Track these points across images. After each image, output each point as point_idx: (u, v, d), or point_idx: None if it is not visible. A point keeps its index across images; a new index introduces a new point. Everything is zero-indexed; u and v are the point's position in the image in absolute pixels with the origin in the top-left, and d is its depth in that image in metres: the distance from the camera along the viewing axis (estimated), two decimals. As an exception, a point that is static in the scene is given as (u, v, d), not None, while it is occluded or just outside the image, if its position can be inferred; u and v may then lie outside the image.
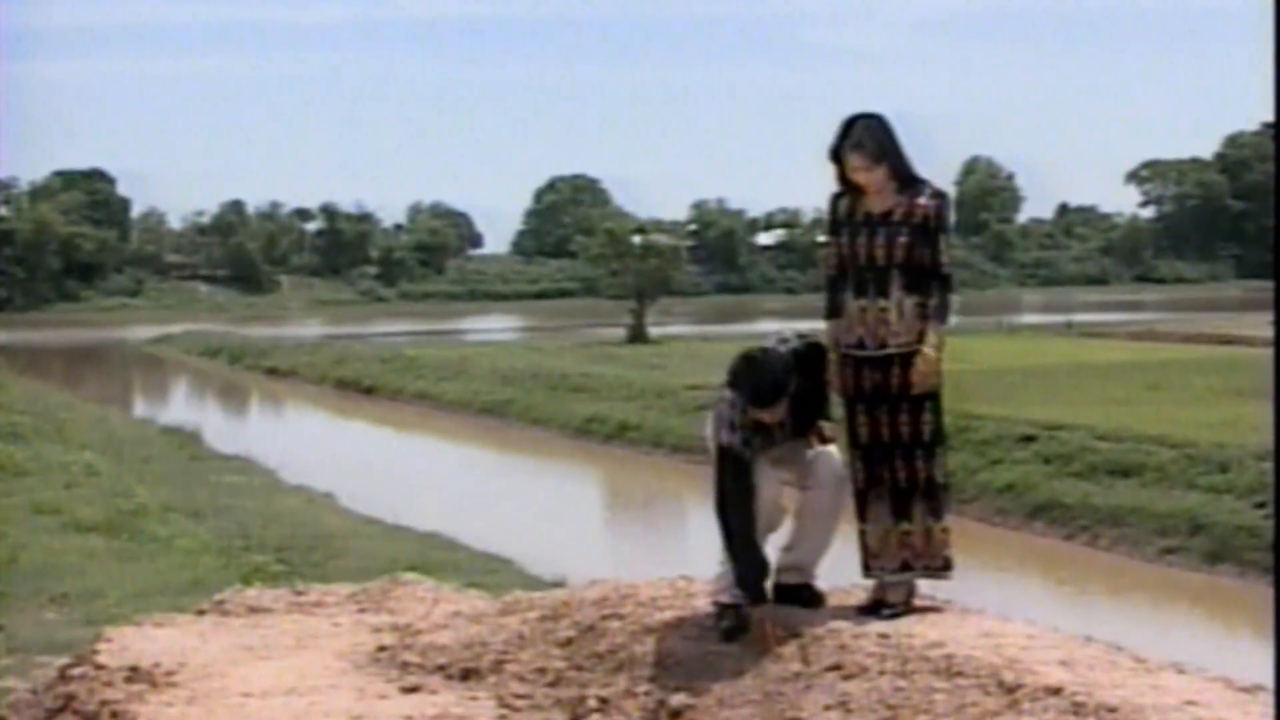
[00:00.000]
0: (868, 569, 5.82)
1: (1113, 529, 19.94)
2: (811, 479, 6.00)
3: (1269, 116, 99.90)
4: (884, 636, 5.40)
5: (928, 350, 5.74)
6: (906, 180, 5.84)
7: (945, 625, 5.57)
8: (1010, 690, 4.86)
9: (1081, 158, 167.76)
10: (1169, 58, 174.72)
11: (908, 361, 5.73)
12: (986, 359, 38.42)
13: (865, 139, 5.81)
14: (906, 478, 5.76)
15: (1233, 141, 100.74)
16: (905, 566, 5.76)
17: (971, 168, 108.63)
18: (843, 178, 5.89)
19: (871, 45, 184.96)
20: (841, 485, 5.94)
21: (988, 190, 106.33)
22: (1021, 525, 21.59)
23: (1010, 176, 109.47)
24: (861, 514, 5.81)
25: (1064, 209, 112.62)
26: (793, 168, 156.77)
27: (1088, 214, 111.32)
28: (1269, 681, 5.01)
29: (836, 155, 5.87)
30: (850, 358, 5.81)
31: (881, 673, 5.17)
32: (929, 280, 5.78)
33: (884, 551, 5.78)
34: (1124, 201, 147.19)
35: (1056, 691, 4.78)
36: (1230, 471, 19.52)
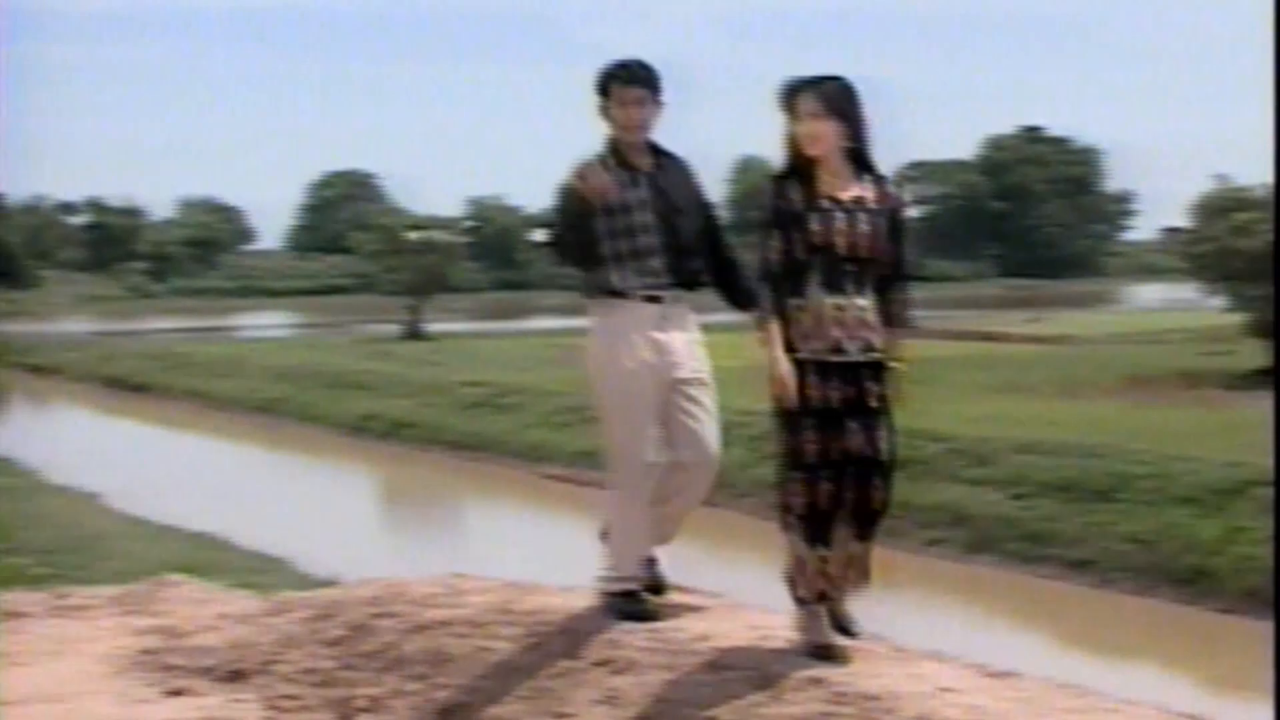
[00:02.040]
0: (823, 597, 5.22)
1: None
2: (688, 458, 5.70)
3: (1030, 120, 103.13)
4: (653, 631, 5.46)
5: (902, 364, 5.21)
6: (864, 163, 5.21)
7: (713, 619, 5.65)
8: (774, 681, 4.96)
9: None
10: (935, 59, 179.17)
11: (879, 370, 5.14)
12: (760, 354, 38.93)
13: (814, 92, 5.15)
14: (876, 499, 5.16)
15: (994, 144, 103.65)
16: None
17: (746, 166, 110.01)
18: (791, 158, 5.24)
19: (645, 45, 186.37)
20: (712, 469, 5.77)
21: (760, 190, 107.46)
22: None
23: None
24: (824, 539, 5.12)
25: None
26: (570, 165, 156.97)
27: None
28: (1023, 668, 5.21)
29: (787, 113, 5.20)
30: (816, 364, 5.09)
31: (650, 667, 5.23)
32: (887, 281, 5.22)
33: (844, 579, 5.25)
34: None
35: (819, 682, 4.90)
36: (991, 465, 20.13)
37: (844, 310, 5.10)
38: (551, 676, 5.36)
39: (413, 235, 50.71)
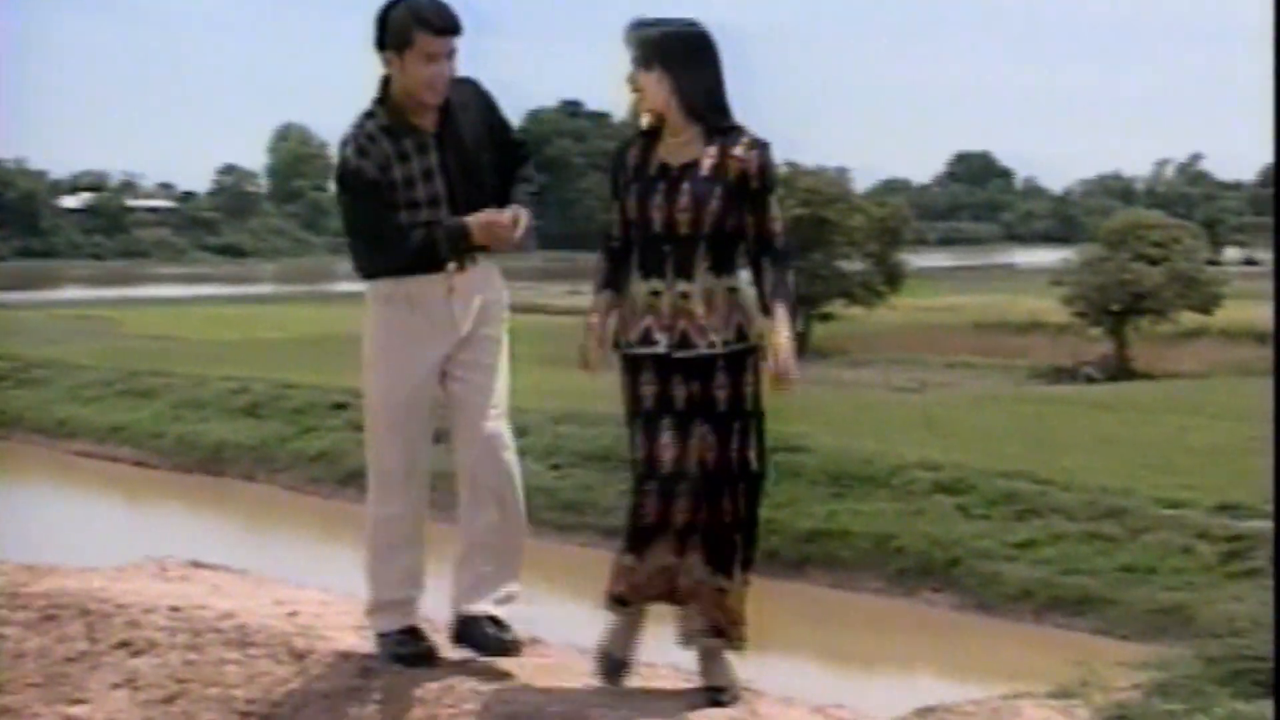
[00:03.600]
0: (620, 601, 4.42)
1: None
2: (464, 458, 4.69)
3: (569, 95, 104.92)
4: (175, 610, 5.29)
5: (781, 339, 4.25)
6: (716, 125, 4.35)
7: (239, 596, 5.54)
8: (301, 656, 4.89)
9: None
10: (469, 33, 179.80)
11: (735, 366, 4.30)
12: (300, 327, 38.45)
13: (635, 38, 4.36)
14: (726, 517, 4.31)
15: (533, 117, 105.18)
16: (717, 631, 4.37)
17: (284, 135, 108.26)
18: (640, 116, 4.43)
19: (190, 5, 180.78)
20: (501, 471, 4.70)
21: (300, 157, 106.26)
22: (334, 493, 21.83)
23: (323, 145, 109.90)
24: (638, 549, 4.33)
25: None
26: (99, 128, 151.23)
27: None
28: (552, 635, 5.29)
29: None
30: (646, 359, 4.31)
31: (172, 647, 5.08)
32: (756, 257, 4.35)
33: (664, 596, 4.40)
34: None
35: (347, 656, 4.86)
36: (529, 435, 20.48)
37: (659, 297, 4.30)
38: (66, 661, 5.15)
39: (-74, 199, 47.91)
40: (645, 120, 4.39)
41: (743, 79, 4.42)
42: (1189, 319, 35.98)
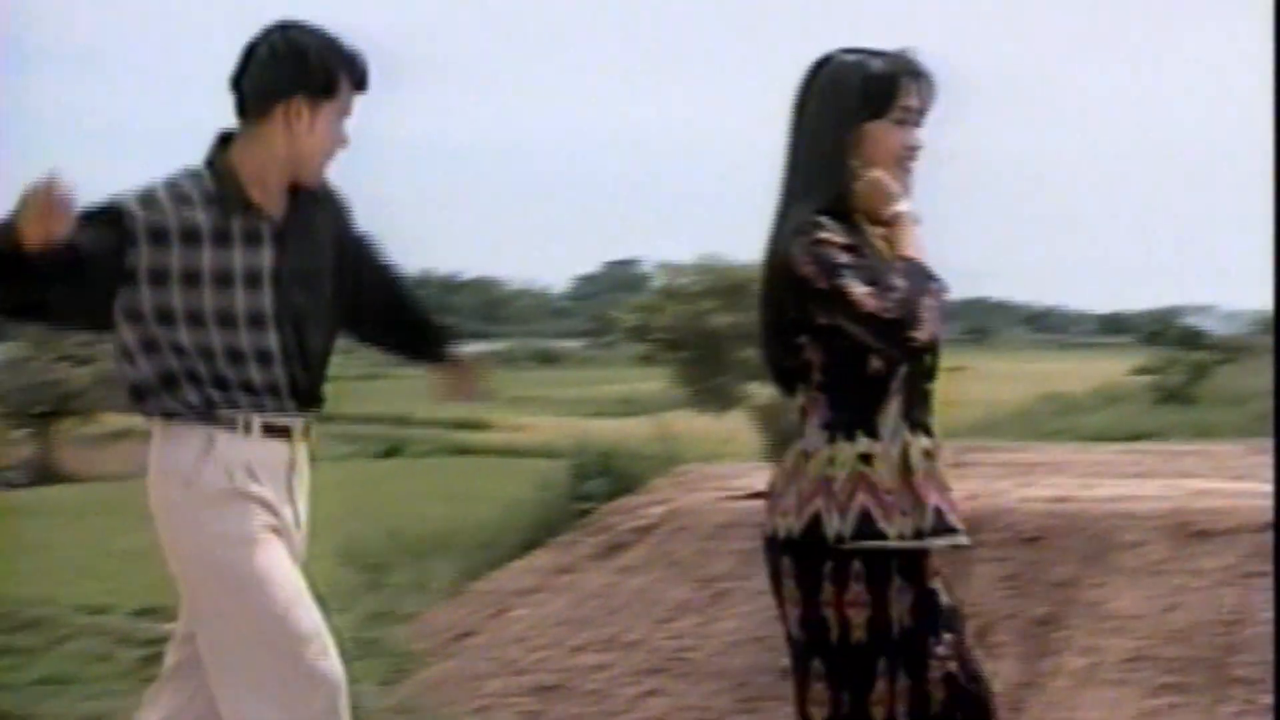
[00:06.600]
0: None
1: None
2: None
3: None
4: None
5: None
6: None
7: None
8: None
9: None
10: None
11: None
12: None
13: (933, 82, 2.99)
14: None
15: None
16: None
17: None
18: (838, 187, 2.97)
19: None
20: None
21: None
22: None
23: None
24: None
25: None
26: None
27: None
28: None
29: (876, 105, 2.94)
30: (904, 556, 2.88)
31: None
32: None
33: None
34: None
35: None
36: None
37: (932, 459, 2.90)
38: None
39: None
40: (831, 189, 2.99)
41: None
42: (115, 420, 36.28)
